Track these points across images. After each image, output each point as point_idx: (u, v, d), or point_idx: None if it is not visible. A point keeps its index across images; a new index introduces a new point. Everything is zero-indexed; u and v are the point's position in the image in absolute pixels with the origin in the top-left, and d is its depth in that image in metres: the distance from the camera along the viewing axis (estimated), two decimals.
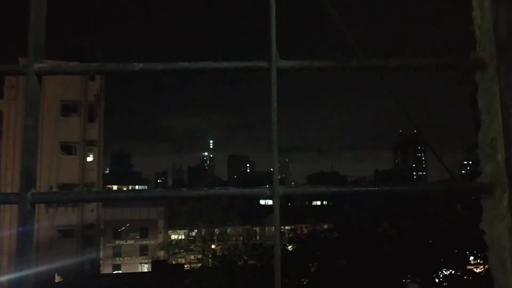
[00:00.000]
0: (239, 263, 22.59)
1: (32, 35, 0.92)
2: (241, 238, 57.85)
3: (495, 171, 0.93)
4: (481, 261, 17.03)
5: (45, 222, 38.25)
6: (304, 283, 17.06)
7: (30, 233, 0.87)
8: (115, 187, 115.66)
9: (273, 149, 0.91)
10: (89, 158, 44.21)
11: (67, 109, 42.59)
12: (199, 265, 42.75)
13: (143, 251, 64.30)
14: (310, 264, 17.28)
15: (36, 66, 0.92)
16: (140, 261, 63.22)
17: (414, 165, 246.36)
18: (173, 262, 48.17)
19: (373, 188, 0.92)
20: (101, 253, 49.42)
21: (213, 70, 0.94)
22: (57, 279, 36.08)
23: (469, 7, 1.23)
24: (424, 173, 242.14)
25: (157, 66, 0.93)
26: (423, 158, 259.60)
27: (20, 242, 0.86)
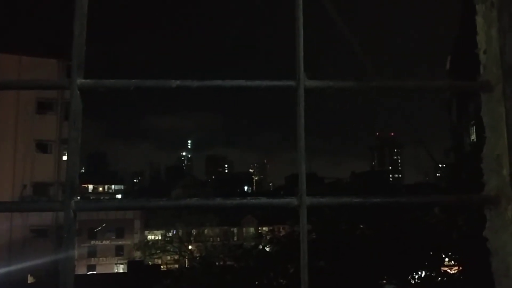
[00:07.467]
0: (217, 263, 22.62)
1: (75, 52, 0.98)
2: (218, 239, 57.88)
3: (500, 184, 1.02)
4: (455, 263, 17.48)
5: (19, 221, 37.51)
6: (283, 283, 17.20)
7: (73, 238, 0.94)
8: (90, 187, 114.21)
9: (300, 164, 0.98)
10: (65, 157, 43.50)
11: (43, 106, 41.84)
12: (176, 266, 42.59)
13: (118, 251, 63.67)
14: (289, 265, 17.41)
15: (79, 81, 0.98)
16: (116, 262, 62.57)
17: (390, 168, 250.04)
18: (150, 263, 47.84)
19: (391, 200, 1.00)
20: (76, 254, 48.74)
21: (244, 88, 1.01)
22: (30, 280, 35.43)
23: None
24: (400, 175, 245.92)
25: (193, 84, 1.00)
26: (399, 161, 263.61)
27: (65, 246, 0.92)
